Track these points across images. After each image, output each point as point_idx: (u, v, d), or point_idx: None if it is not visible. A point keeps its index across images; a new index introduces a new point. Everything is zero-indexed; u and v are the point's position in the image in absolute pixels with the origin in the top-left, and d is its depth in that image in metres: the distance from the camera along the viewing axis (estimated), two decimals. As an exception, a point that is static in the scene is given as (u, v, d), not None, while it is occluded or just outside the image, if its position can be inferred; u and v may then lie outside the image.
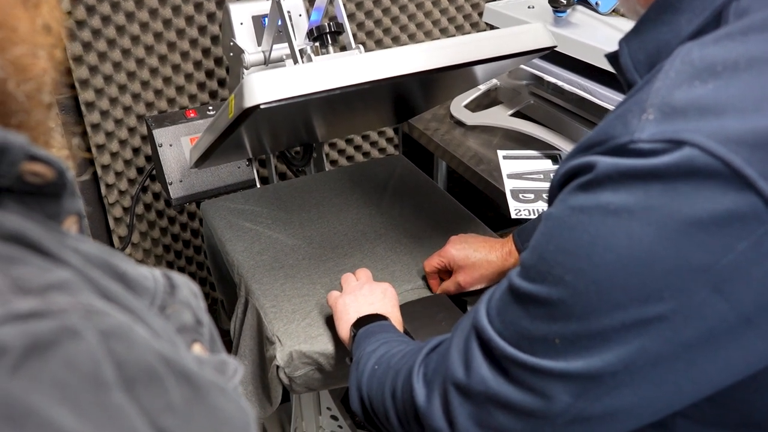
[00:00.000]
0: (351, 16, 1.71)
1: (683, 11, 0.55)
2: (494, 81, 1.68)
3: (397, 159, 1.46)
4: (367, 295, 0.92)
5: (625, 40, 0.60)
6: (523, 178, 1.38)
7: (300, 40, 1.21)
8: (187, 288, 0.41)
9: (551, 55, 1.13)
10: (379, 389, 0.72)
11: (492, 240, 1.06)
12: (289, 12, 1.11)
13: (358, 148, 1.92)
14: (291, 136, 1.37)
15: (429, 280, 1.06)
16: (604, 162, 0.49)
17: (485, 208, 1.70)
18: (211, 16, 1.56)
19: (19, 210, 0.31)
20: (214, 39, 1.59)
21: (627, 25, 1.30)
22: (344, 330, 0.88)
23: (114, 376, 0.26)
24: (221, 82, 1.66)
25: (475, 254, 1.02)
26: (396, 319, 0.89)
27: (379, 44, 1.80)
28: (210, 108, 1.45)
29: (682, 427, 0.59)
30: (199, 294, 0.42)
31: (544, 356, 0.52)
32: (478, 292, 1.04)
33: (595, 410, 0.52)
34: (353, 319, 0.87)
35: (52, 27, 0.34)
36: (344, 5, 1.17)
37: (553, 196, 0.56)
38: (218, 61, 1.62)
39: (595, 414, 0.53)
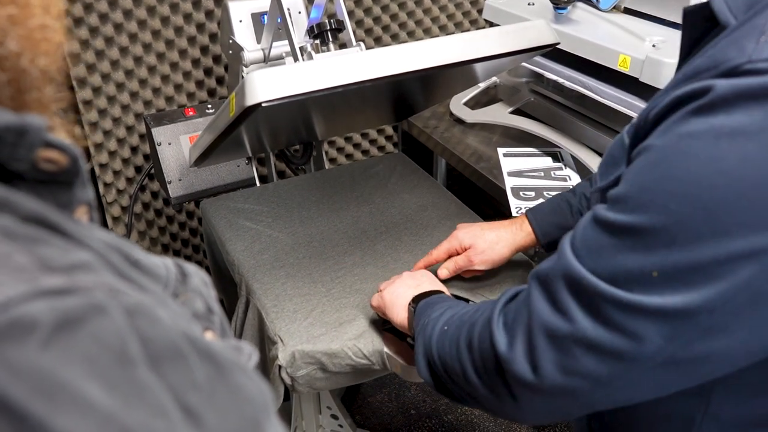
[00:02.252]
0: (350, 14, 1.71)
1: None
2: (494, 78, 1.68)
3: (397, 157, 1.45)
4: (411, 279, 0.91)
5: None
6: (524, 176, 1.38)
7: (300, 38, 1.20)
8: (198, 277, 0.41)
9: (551, 52, 1.13)
10: (452, 346, 0.71)
11: (498, 221, 1.04)
12: (288, 9, 1.11)
13: (357, 146, 1.91)
14: (291, 135, 1.37)
15: (438, 270, 1.03)
16: (722, 84, 0.48)
17: (485, 205, 1.70)
18: (209, 14, 1.55)
19: (33, 197, 0.31)
20: (213, 37, 1.58)
21: (628, 21, 1.30)
22: (401, 311, 0.87)
23: (140, 352, 0.27)
24: (220, 80, 1.65)
25: (485, 234, 1.00)
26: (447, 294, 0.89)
27: (378, 42, 1.80)
28: (209, 106, 1.44)
29: (720, 395, 0.59)
30: (209, 283, 0.42)
31: (640, 291, 0.51)
32: (477, 293, 1.04)
33: (685, 354, 0.51)
34: (410, 297, 0.87)
35: (56, 4, 0.34)
36: (344, 2, 1.17)
37: (647, 129, 0.55)
38: (217, 59, 1.62)
39: (685, 358, 0.52)
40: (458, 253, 1.02)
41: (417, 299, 0.86)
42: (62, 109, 0.36)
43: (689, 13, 0.65)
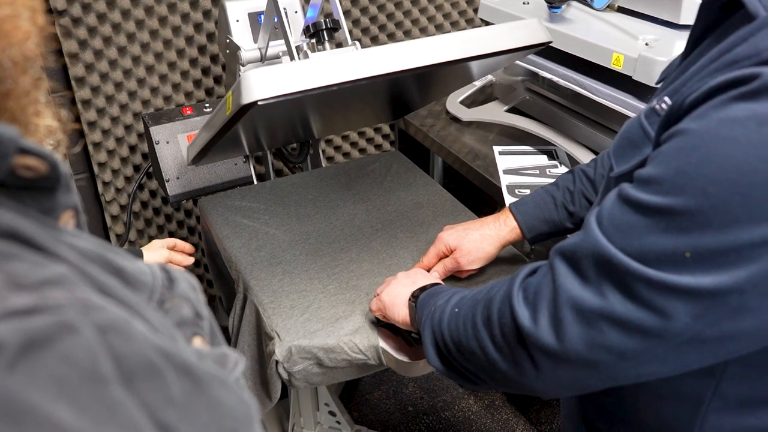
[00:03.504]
0: (347, 13, 1.72)
1: None
2: (490, 77, 1.69)
3: (393, 155, 1.46)
4: (407, 278, 0.92)
5: None
6: (519, 174, 1.39)
7: (296, 37, 1.21)
8: (186, 282, 0.41)
9: (546, 51, 1.14)
10: (466, 325, 0.71)
11: (482, 218, 1.05)
12: (285, 9, 1.12)
13: (354, 144, 1.92)
14: (288, 133, 1.38)
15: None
16: (764, 73, 0.48)
17: (481, 203, 1.71)
18: (206, 14, 1.56)
19: (13, 206, 0.31)
20: (210, 36, 1.59)
21: (622, 20, 1.31)
22: (401, 308, 0.88)
23: (112, 370, 0.26)
24: (217, 80, 1.66)
25: (469, 234, 1.01)
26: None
27: (375, 41, 1.81)
28: (206, 105, 1.45)
29: (731, 375, 0.60)
30: (198, 287, 0.42)
31: (672, 271, 0.52)
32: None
33: (712, 332, 0.52)
34: (408, 294, 0.88)
35: None
36: (340, 2, 1.18)
37: (680, 115, 0.55)
38: (214, 59, 1.63)
39: (712, 336, 0.53)
40: (446, 256, 1.03)
41: (416, 294, 0.87)
42: (45, 96, 0.35)
43: (707, 4, 0.65)
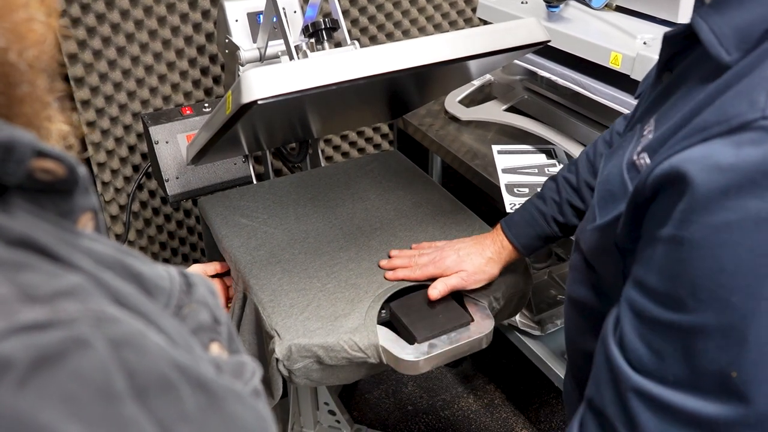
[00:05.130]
0: (345, 13, 1.72)
1: None
2: (488, 76, 1.69)
3: (392, 154, 1.47)
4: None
5: (702, 16, 0.57)
6: (518, 173, 1.39)
7: (295, 37, 1.22)
8: (204, 286, 0.40)
9: (545, 50, 1.14)
10: None
11: (480, 238, 1.07)
12: (284, 8, 1.12)
13: (353, 144, 1.93)
14: (287, 133, 1.38)
15: (429, 291, 1.02)
16: (743, 161, 0.46)
17: (479, 202, 1.71)
18: (205, 14, 1.56)
19: (31, 209, 0.30)
20: (209, 36, 1.59)
21: (620, 19, 1.32)
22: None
23: (125, 386, 0.26)
24: (216, 80, 1.66)
25: (471, 258, 1.03)
26: None
27: (374, 41, 1.81)
28: (206, 105, 1.45)
29: None
30: (216, 292, 0.41)
31: (726, 399, 0.48)
32: (482, 293, 1.05)
33: None
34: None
35: None
36: (339, 1, 1.18)
37: (652, 190, 0.53)
38: (213, 59, 1.63)
39: None
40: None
41: None
42: (58, 99, 0.35)
43: (669, 38, 0.65)
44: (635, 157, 0.62)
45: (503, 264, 1.04)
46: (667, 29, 0.67)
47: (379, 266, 1.09)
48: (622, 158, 0.65)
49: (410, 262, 1.06)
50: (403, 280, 1.05)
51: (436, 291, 1.00)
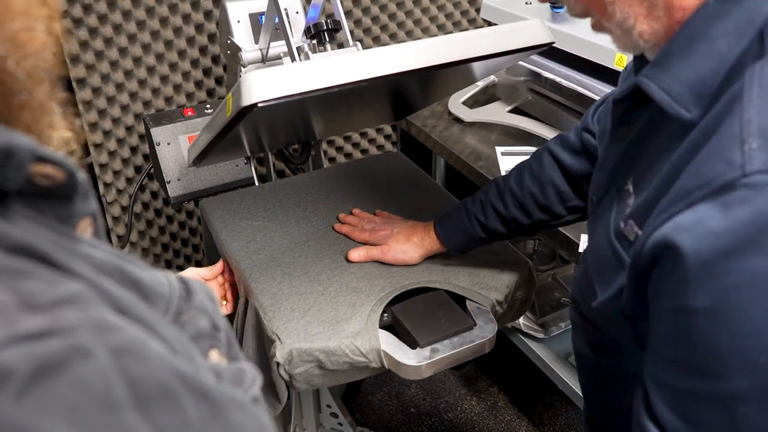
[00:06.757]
0: (348, 14, 1.71)
1: (716, 37, 0.53)
2: (492, 77, 1.68)
3: (394, 155, 1.46)
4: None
5: (649, 77, 0.57)
6: (522, 175, 1.38)
7: (297, 38, 1.21)
8: (204, 292, 0.40)
9: (549, 51, 1.13)
10: None
11: (417, 224, 1.12)
12: (286, 9, 1.11)
13: (356, 145, 1.92)
14: (289, 134, 1.37)
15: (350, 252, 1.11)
16: (735, 222, 0.46)
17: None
18: (208, 15, 1.56)
19: (30, 215, 0.30)
20: (212, 37, 1.59)
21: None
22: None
23: (126, 395, 0.25)
24: (219, 81, 1.65)
25: (397, 238, 1.10)
26: None
27: (377, 41, 1.80)
28: (208, 106, 1.44)
29: None
30: (215, 298, 0.41)
31: None
32: (475, 291, 1.04)
33: None
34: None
35: (38, 5, 0.32)
36: (341, 2, 1.17)
37: (650, 259, 0.52)
38: (215, 60, 1.62)
39: None
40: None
41: None
42: (60, 106, 0.35)
43: (619, 101, 0.65)
44: (622, 225, 0.62)
45: (424, 252, 1.08)
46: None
47: (337, 218, 1.21)
48: (608, 226, 0.64)
49: (358, 223, 1.16)
50: (345, 235, 1.16)
51: (355, 254, 1.09)
